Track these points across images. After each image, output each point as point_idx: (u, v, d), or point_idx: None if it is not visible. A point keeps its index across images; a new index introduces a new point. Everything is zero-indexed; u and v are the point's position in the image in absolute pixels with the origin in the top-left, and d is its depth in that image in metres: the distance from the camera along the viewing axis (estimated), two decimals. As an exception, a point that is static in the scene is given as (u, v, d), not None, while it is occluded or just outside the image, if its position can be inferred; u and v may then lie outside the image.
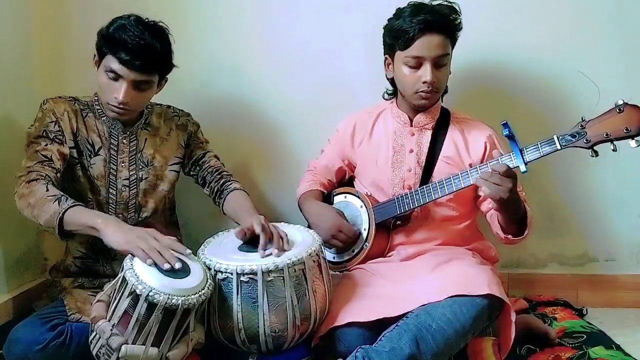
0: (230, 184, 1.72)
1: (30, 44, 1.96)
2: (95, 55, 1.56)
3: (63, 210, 1.38)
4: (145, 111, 1.69)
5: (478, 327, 1.43)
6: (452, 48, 1.65)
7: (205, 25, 2.03)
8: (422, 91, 1.61)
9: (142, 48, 1.48)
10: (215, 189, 1.72)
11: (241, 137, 2.07)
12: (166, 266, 1.28)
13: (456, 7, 1.64)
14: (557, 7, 1.96)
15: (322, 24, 2.01)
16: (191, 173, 1.78)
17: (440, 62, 1.60)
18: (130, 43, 1.47)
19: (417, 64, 1.59)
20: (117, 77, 1.51)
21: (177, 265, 1.29)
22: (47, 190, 1.43)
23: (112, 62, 1.49)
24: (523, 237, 1.56)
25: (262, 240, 1.42)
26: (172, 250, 1.33)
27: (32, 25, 1.96)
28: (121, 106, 1.53)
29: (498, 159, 1.49)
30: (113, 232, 1.35)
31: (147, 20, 1.55)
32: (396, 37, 1.61)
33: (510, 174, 1.39)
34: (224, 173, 1.75)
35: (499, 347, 1.53)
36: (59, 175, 1.53)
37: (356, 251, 1.71)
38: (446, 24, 1.60)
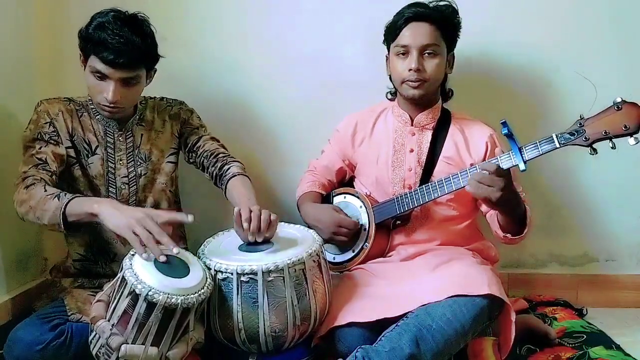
0: (229, 168, 1.69)
1: (30, 44, 1.96)
2: (80, 55, 1.56)
3: (64, 204, 1.39)
4: (139, 107, 1.69)
5: (478, 327, 1.43)
6: (448, 43, 1.66)
7: (205, 25, 2.03)
8: (409, 80, 1.63)
9: (124, 45, 1.46)
10: (214, 174, 1.71)
11: (241, 137, 2.06)
12: (162, 258, 1.28)
13: (454, 6, 1.66)
14: (556, 5, 1.96)
15: (322, 24, 2.01)
16: (190, 161, 1.77)
17: (428, 52, 1.62)
18: (110, 42, 1.45)
19: (405, 53, 1.63)
20: (103, 76, 1.50)
21: (162, 259, 1.28)
22: (45, 190, 1.43)
23: (96, 62, 1.49)
24: (522, 236, 1.56)
25: (244, 224, 1.41)
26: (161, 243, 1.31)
27: (32, 25, 1.96)
28: (112, 105, 1.53)
29: (488, 159, 1.49)
30: (111, 215, 1.34)
31: (126, 13, 1.53)
32: (389, 30, 1.68)
33: (501, 173, 1.39)
34: (220, 155, 1.72)
35: (499, 347, 1.53)
36: (54, 177, 1.52)
37: (356, 251, 1.70)
38: (434, 14, 1.62)
